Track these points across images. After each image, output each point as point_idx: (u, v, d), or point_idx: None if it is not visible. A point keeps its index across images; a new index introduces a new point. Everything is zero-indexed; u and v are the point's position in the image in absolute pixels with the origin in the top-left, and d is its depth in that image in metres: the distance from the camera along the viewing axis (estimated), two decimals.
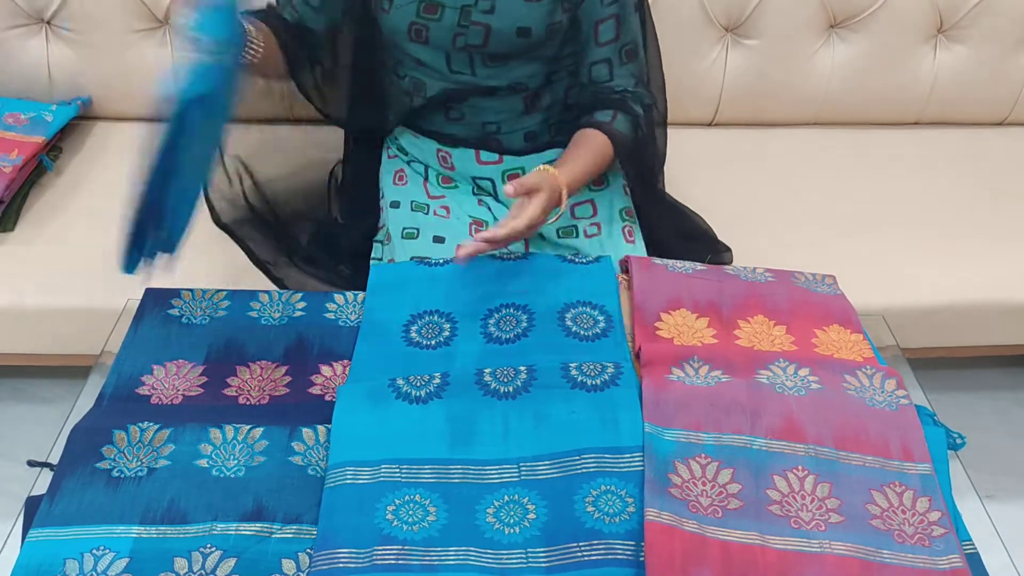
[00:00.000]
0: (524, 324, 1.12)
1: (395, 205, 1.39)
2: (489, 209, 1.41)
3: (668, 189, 1.57)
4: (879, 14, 1.88)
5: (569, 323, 1.12)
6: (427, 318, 1.14)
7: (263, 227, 1.45)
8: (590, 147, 1.27)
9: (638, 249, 1.39)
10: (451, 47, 1.26)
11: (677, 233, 1.50)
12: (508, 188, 1.15)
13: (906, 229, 1.71)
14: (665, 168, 1.51)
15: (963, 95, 1.99)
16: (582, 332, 1.10)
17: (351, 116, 1.43)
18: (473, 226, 1.37)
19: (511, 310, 1.14)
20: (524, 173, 1.42)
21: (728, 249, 1.53)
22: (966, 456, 1.04)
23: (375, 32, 1.30)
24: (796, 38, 1.90)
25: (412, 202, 1.39)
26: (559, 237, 1.38)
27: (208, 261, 1.50)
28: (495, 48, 1.26)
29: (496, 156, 1.38)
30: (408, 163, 1.44)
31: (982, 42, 1.93)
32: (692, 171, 1.76)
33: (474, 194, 1.41)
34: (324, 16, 1.32)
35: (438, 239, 1.34)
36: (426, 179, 1.42)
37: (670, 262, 1.23)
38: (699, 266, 1.23)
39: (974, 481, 1.01)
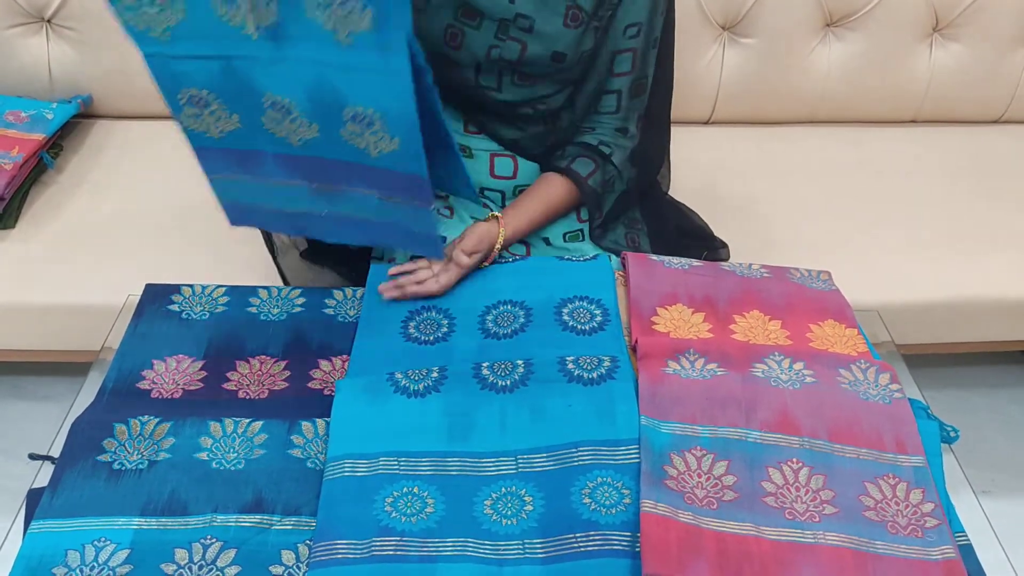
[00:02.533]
0: (522, 320, 1.13)
1: None
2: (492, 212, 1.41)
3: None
4: (875, 12, 1.88)
5: (566, 317, 1.12)
6: (425, 314, 1.15)
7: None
8: (547, 198, 1.29)
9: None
10: (484, 58, 1.23)
11: (674, 230, 1.51)
12: (450, 251, 1.18)
13: (902, 226, 1.72)
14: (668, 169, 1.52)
15: (959, 93, 2.00)
16: (579, 326, 1.11)
17: None
18: None
19: (508, 307, 1.15)
20: None
21: (725, 245, 1.53)
22: (961, 452, 1.04)
23: None
24: (793, 37, 1.90)
25: None
26: (565, 241, 1.38)
27: (208, 258, 1.51)
28: (528, 68, 1.24)
29: (511, 171, 1.37)
30: None
31: (978, 40, 1.94)
32: (689, 169, 1.77)
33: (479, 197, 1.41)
34: None
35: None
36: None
37: (667, 258, 1.24)
38: (695, 262, 1.24)
39: (969, 477, 1.01)
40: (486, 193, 1.40)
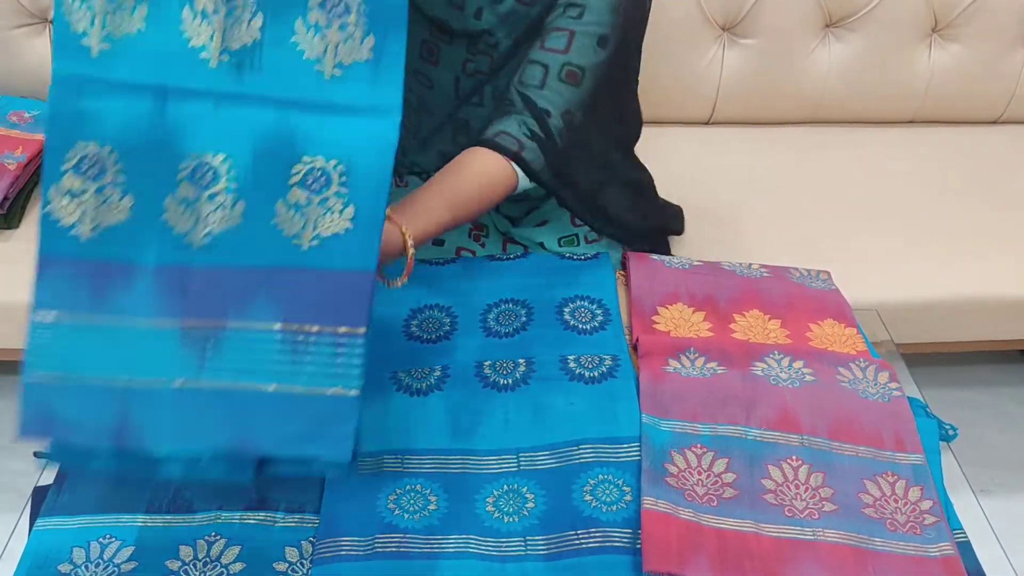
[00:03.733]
0: (523, 318, 1.14)
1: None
2: (489, 215, 1.42)
3: (665, 188, 1.59)
4: (875, 13, 1.89)
5: (568, 317, 1.13)
6: (427, 313, 1.15)
7: None
8: (457, 187, 1.09)
9: None
10: (462, 72, 1.24)
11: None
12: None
13: (901, 225, 1.73)
14: (660, 167, 1.53)
15: (958, 93, 2.01)
16: (580, 325, 1.12)
17: None
18: (472, 231, 1.38)
19: (510, 305, 1.16)
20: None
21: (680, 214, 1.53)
22: (960, 451, 1.05)
23: None
24: (792, 37, 1.91)
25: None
26: (560, 246, 1.39)
27: None
28: (502, 80, 1.22)
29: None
30: (410, 170, 1.44)
31: (977, 41, 1.95)
32: (689, 169, 1.78)
33: None
34: None
35: (437, 242, 1.35)
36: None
37: (667, 258, 1.25)
38: (696, 262, 1.25)
39: (968, 475, 1.02)
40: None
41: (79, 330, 0.81)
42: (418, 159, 1.40)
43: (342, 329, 0.79)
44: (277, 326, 0.80)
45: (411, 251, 0.98)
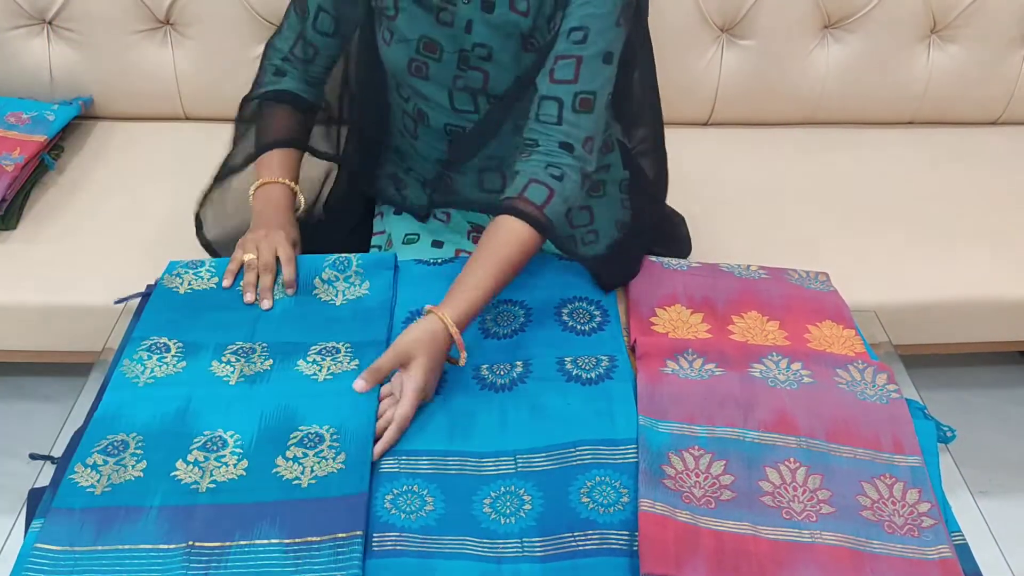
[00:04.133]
0: (521, 319, 1.13)
1: (398, 212, 1.40)
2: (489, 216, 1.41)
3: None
4: (873, 14, 1.89)
5: (566, 318, 1.13)
6: None
7: None
8: (495, 258, 1.10)
9: None
10: (452, 87, 1.23)
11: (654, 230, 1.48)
12: (359, 383, 1.02)
13: (900, 227, 1.72)
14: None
15: (957, 94, 2.00)
16: (579, 326, 1.12)
17: (358, 154, 1.40)
18: (471, 233, 1.38)
19: (508, 306, 1.16)
20: None
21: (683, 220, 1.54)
22: (958, 452, 1.05)
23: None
24: (791, 38, 1.91)
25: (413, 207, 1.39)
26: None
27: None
28: (496, 91, 1.22)
29: (499, 185, 1.34)
30: (407, 171, 1.44)
31: (975, 42, 1.95)
32: (687, 171, 1.78)
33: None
34: (339, 39, 1.31)
35: (436, 243, 1.35)
36: (424, 185, 1.42)
37: (665, 259, 1.25)
38: (694, 263, 1.25)
39: (966, 477, 1.02)
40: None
41: (81, 556, 0.85)
42: (420, 168, 1.41)
43: (341, 535, 0.87)
44: (283, 541, 0.87)
45: (455, 332, 1.03)
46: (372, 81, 1.31)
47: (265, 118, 1.33)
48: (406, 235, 1.35)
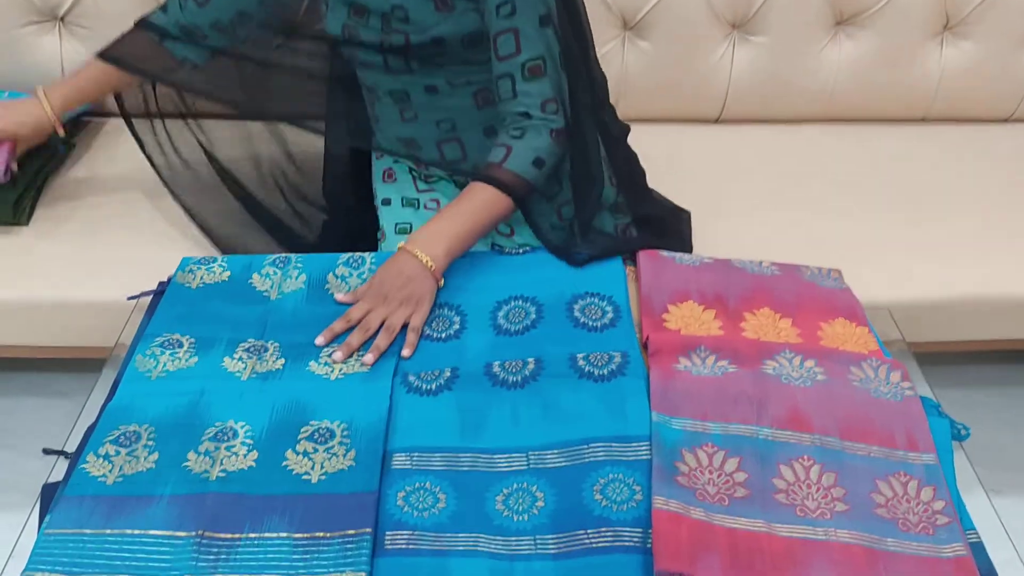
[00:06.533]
0: (533, 316, 1.13)
1: (387, 202, 1.41)
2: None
3: (674, 186, 1.58)
4: (886, 11, 1.88)
5: (577, 314, 1.13)
6: (437, 311, 1.15)
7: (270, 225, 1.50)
8: (470, 199, 1.20)
9: None
10: (379, 48, 1.27)
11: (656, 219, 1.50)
12: (340, 296, 1.15)
13: (913, 224, 1.71)
14: (671, 165, 1.52)
15: (969, 92, 1.99)
16: (590, 323, 1.11)
17: (330, 128, 1.46)
18: None
19: (520, 302, 1.16)
20: None
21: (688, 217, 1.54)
22: (972, 451, 1.04)
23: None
24: (803, 35, 1.90)
25: (403, 198, 1.40)
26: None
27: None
28: (418, 53, 1.26)
29: (460, 155, 1.38)
30: (395, 161, 1.45)
31: (988, 39, 1.93)
32: (698, 168, 1.77)
33: (458, 186, 1.42)
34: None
35: None
36: (413, 174, 1.44)
37: (677, 255, 1.25)
38: (706, 259, 1.25)
39: (980, 476, 1.01)
40: (455, 178, 1.42)
41: (90, 539, 0.86)
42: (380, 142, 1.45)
43: (350, 532, 0.87)
44: (292, 534, 0.87)
45: (429, 263, 1.13)
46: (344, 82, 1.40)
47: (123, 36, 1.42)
48: (397, 225, 1.37)
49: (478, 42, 1.24)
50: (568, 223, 1.35)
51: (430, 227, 1.18)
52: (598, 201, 1.34)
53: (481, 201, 1.20)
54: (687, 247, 1.50)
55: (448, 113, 1.34)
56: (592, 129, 1.33)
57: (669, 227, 1.51)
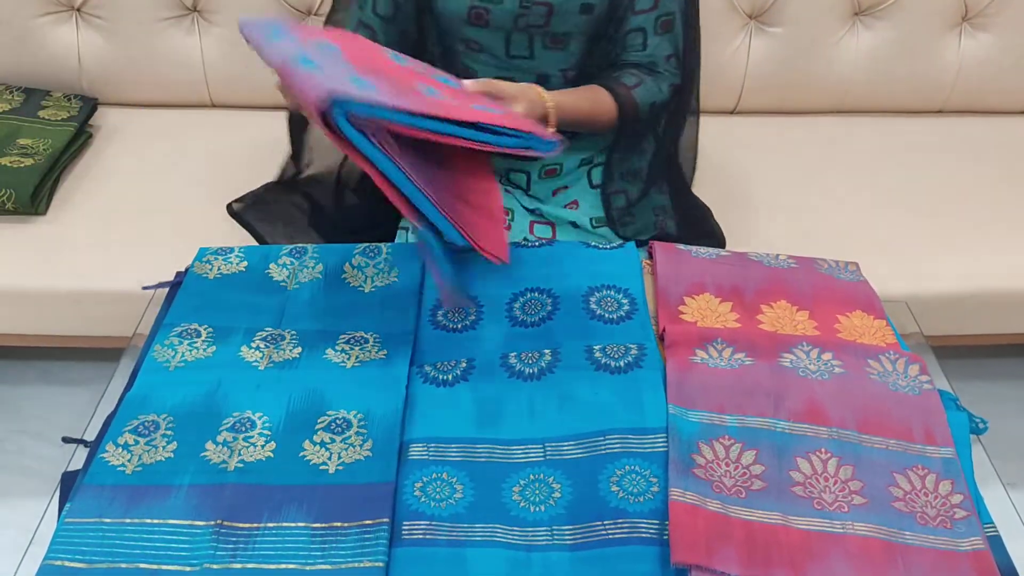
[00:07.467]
0: (549, 308, 1.13)
1: None
2: (514, 196, 1.41)
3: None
4: (903, 1, 1.87)
5: (593, 306, 1.13)
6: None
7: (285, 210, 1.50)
8: (593, 93, 1.27)
9: None
10: (512, 28, 1.26)
11: (696, 223, 1.50)
12: (469, 83, 1.13)
13: (930, 217, 1.71)
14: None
15: (988, 83, 1.98)
16: (607, 315, 1.11)
17: None
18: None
19: (536, 294, 1.15)
20: (562, 170, 1.42)
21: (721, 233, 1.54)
22: (990, 444, 1.04)
23: (429, 26, 1.31)
24: (820, 26, 1.90)
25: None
26: (593, 227, 1.38)
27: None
28: (557, 27, 1.25)
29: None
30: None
31: (1007, 30, 1.92)
32: (714, 159, 1.77)
33: (501, 183, 1.41)
34: (396, 25, 1.32)
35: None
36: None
37: (694, 248, 1.24)
38: (723, 252, 1.24)
39: (998, 469, 1.01)
40: (509, 176, 1.40)
41: (109, 528, 0.87)
42: None
43: (368, 522, 0.87)
44: (310, 524, 0.87)
45: (549, 108, 1.18)
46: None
47: None
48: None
49: (618, 7, 1.27)
50: (625, 190, 1.38)
51: (569, 96, 1.23)
52: (662, 175, 1.39)
53: (606, 107, 1.26)
54: (720, 243, 1.50)
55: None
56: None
57: (704, 226, 1.51)
